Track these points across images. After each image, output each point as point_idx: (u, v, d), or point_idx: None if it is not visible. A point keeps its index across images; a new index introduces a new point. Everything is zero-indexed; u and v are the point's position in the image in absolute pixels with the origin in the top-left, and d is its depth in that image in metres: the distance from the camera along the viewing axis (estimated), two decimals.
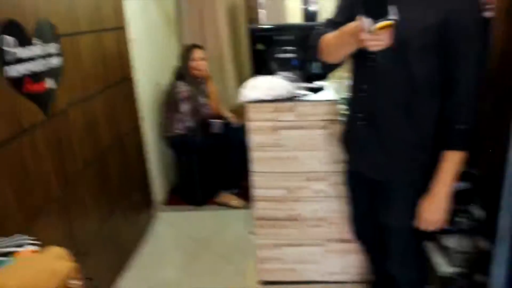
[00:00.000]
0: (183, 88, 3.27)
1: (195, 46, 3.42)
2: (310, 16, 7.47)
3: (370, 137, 1.56)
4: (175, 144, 3.40)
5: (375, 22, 1.19)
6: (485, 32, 1.46)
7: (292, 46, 2.25)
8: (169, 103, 3.35)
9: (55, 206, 1.90)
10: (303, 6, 6.91)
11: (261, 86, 2.06)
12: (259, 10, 7.32)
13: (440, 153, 1.45)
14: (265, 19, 6.06)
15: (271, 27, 2.44)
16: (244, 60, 5.58)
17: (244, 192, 3.23)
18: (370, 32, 1.21)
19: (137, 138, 3.04)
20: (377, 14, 1.19)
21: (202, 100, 3.36)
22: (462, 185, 2.02)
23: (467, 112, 1.40)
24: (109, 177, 2.51)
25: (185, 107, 3.29)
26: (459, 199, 1.96)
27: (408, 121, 1.47)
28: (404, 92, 1.45)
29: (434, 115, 1.45)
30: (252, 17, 7.31)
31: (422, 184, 1.49)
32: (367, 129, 1.55)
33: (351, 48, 1.40)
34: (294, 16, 5.33)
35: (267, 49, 2.30)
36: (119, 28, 2.79)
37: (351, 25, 1.33)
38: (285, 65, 2.23)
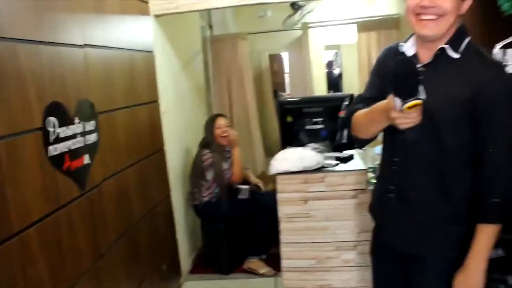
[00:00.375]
0: (207, 156, 3.34)
1: (219, 115, 3.54)
2: (334, 79, 7.69)
3: (401, 210, 1.55)
4: (202, 212, 3.43)
5: (405, 102, 1.24)
6: None
7: (320, 117, 2.31)
8: (195, 172, 3.42)
9: (86, 278, 1.92)
10: (327, 70, 7.14)
11: (291, 158, 2.11)
12: (285, 75, 7.58)
13: (475, 227, 1.43)
14: (290, 85, 6.26)
15: (299, 99, 2.54)
16: (270, 126, 5.70)
17: (273, 259, 3.19)
18: (400, 111, 1.26)
19: (167, 208, 3.09)
20: (407, 94, 1.24)
21: (225, 166, 3.41)
22: (499, 252, 1.96)
23: (501, 185, 1.39)
24: (139, 248, 2.53)
25: (209, 174, 3.35)
26: (496, 268, 1.89)
27: (440, 195, 1.47)
28: (436, 165, 1.46)
29: (467, 188, 1.45)
30: (278, 82, 7.57)
31: (457, 258, 1.46)
32: (398, 202, 1.55)
33: (382, 125, 1.44)
34: (318, 80, 5.48)
35: (295, 121, 2.36)
36: (152, 102, 2.91)
37: (382, 104, 1.38)
38: (314, 136, 2.28)
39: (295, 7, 5.06)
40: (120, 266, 2.27)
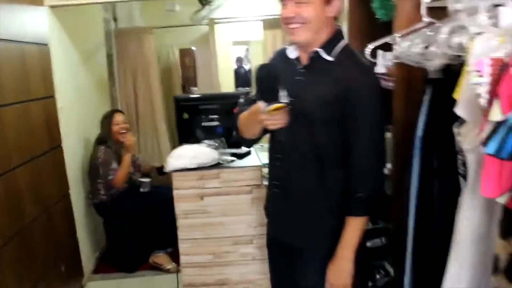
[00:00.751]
0: (101, 153, 3.24)
1: (116, 110, 3.47)
2: (243, 75, 7.79)
3: (284, 204, 1.65)
4: (103, 210, 3.35)
5: (269, 105, 1.38)
6: (384, 102, 1.59)
7: (216, 114, 2.35)
8: (91, 169, 3.31)
9: None
10: (237, 66, 7.22)
11: (186, 155, 2.14)
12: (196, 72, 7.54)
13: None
14: (198, 80, 6.25)
15: (195, 96, 2.56)
16: None
17: (177, 254, 3.19)
18: (265, 113, 1.39)
19: (66, 207, 2.98)
20: (270, 97, 1.40)
21: (114, 165, 3.29)
22: (381, 241, 2.13)
23: (365, 180, 1.52)
24: (33, 249, 2.42)
25: (104, 172, 3.25)
26: (377, 255, 2.05)
27: (316, 190, 1.58)
28: (312, 162, 1.56)
29: (339, 184, 1.56)
30: (189, 76, 7.52)
31: (331, 249, 1.58)
32: (281, 196, 1.65)
33: (258, 127, 1.53)
34: (226, 76, 5.52)
35: (192, 117, 2.39)
36: (48, 97, 2.79)
37: (255, 106, 1.48)
38: (210, 133, 2.32)
39: (203, 2, 5.05)
40: (10, 269, 2.16)
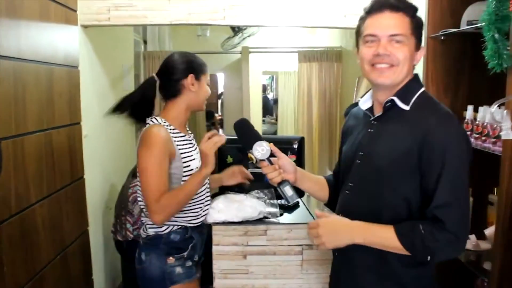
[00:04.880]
0: (135, 188, 2.92)
1: None
2: (267, 104, 7.61)
3: (343, 268, 1.47)
4: (126, 250, 3.04)
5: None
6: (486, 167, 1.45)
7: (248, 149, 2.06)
8: (119, 203, 3.04)
9: None
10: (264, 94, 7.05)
11: (230, 207, 1.86)
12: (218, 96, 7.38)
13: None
14: (224, 106, 6.07)
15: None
16: None
17: None
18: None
19: (83, 245, 2.69)
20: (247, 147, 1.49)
21: None
22: None
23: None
24: None
25: (136, 209, 2.94)
26: None
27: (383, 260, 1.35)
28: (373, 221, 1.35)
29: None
30: (211, 102, 7.34)
31: None
32: (340, 260, 1.49)
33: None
34: (255, 104, 5.33)
35: (237, 162, 2.11)
36: (74, 124, 2.55)
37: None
38: (257, 181, 2.03)
39: (235, 29, 4.88)
40: None
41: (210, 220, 1.89)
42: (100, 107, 3.06)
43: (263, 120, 6.58)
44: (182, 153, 1.90)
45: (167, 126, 1.90)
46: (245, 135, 1.51)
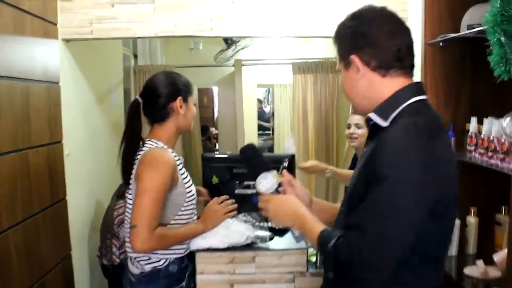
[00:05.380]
0: (121, 210, 2.77)
1: None
2: (264, 118, 7.48)
3: None
4: (112, 275, 2.88)
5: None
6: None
7: (251, 180, 1.92)
8: (105, 226, 2.88)
9: None
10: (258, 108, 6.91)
11: (216, 232, 1.71)
12: (215, 109, 7.24)
13: None
14: (219, 121, 5.94)
15: (228, 156, 2.14)
16: (198, 163, 5.28)
17: None
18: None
19: (66, 271, 2.54)
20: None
21: None
22: None
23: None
24: None
25: (122, 231, 2.76)
26: None
27: None
28: None
29: None
30: (208, 117, 7.21)
31: None
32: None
33: None
34: (250, 118, 5.20)
35: (222, 183, 1.96)
36: (55, 143, 2.42)
37: None
38: (244, 204, 1.87)
39: (228, 42, 4.77)
40: None
41: (193, 247, 1.74)
42: (85, 124, 2.93)
43: (259, 135, 6.44)
44: (184, 179, 1.81)
45: (166, 148, 1.81)
46: (250, 164, 1.37)
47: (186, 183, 1.81)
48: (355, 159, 2.58)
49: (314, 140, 4.15)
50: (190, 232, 1.77)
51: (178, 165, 1.81)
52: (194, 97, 1.95)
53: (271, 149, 6.28)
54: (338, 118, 4.20)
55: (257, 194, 1.33)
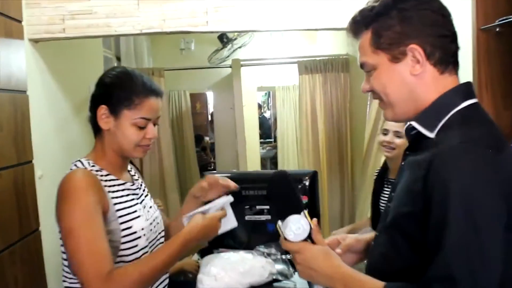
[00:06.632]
0: None
1: None
2: (265, 124, 7.13)
3: None
4: None
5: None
6: None
7: (268, 204, 1.54)
8: None
9: None
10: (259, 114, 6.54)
11: (232, 270, 1.34)
12: (209, 116, 6.88)
13: None
14: (215, 129, 5.58)
15: (236, 175, 1.74)
16: (191, 174, 4.95)
17: None
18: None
19: None
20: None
21: None
22: None
23: None
24: None
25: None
26: None
27: None
28: None
29: None
30: (201, 124, 6.84)
31: None
32: None
33: None
34: (251, 125, 4.86)
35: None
36: (23, 164, 2.06)
37: None
38: (258, 231, 1.51)
39: (224, 40, 4.40)
40: None
41: None
42: (59, 139, 2.55)
43: (260, 143, 6.06)
44: (118, 209, 1.31)
45: (96, 170, 1.34)
46: (279, 199, 1.07)
47: (122, 215, 1.32)
48: (384, 168, 2.25)
49: (325, 148, 3.75)
50: (175, 250, 1.25)
51: (118, 190, 1.36)
52: (143, 114, 1.37)
53: (274, 158, 5.94)
54: (352, 122, 3.82)
55: (280, 236, 1.04)
